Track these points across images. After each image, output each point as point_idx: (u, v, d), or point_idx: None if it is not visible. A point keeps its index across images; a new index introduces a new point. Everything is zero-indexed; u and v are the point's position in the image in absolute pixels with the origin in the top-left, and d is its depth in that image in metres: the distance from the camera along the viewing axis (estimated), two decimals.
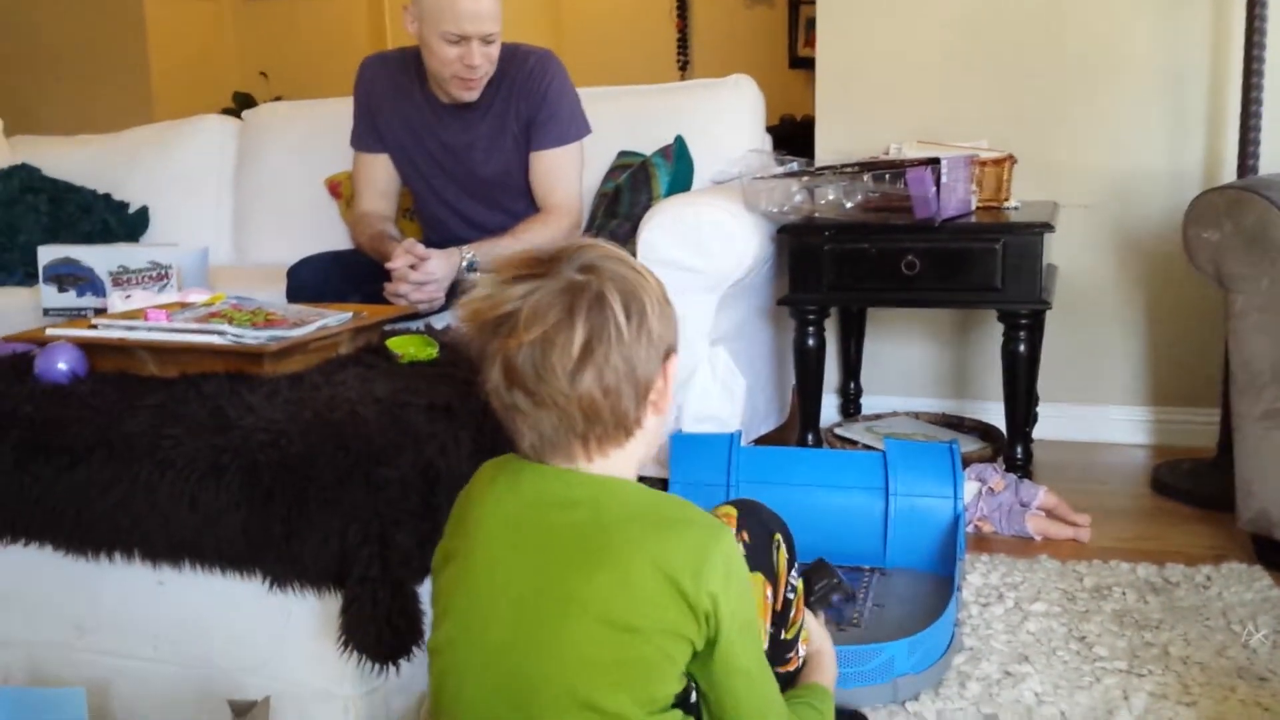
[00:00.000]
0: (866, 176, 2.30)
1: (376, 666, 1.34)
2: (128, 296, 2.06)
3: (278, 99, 3.82)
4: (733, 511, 1.20)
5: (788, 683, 1.24)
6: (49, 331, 1.73)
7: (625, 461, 1.04)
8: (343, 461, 1.38)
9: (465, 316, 0.99)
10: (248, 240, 3.00)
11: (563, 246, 1.01)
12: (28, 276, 2.71)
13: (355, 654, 1.33)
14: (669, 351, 1.03)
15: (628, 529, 0.98)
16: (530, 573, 0.99)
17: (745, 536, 1.17)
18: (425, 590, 1.35)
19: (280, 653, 1.41)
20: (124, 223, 2.94)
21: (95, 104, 4.58)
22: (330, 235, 2.78)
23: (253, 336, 1.62)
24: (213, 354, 1.62)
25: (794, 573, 1.23)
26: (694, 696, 1.05)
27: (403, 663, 1.35)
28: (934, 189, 2.19)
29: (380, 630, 1.33)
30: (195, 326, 1.66)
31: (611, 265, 1.00)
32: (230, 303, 1.85)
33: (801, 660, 1.27)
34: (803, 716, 1.13)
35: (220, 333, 1.62)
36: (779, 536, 1.21)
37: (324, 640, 1.37)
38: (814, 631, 1.30)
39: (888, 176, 2.29)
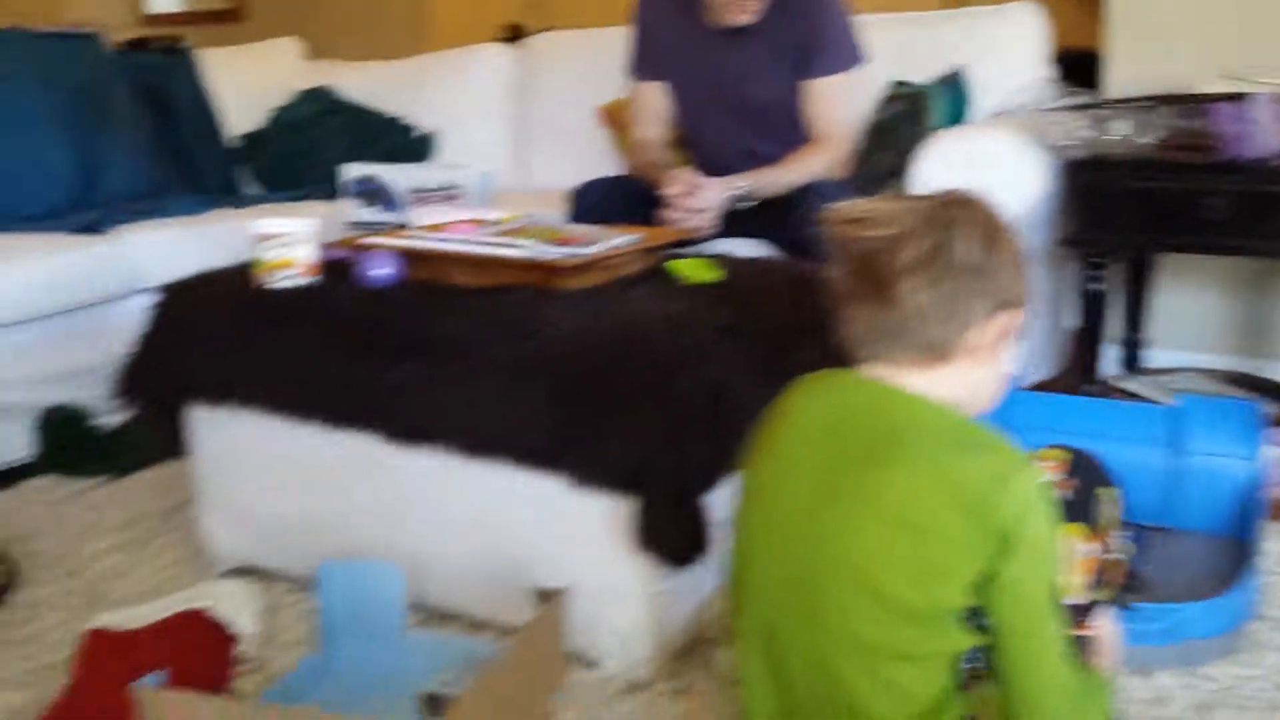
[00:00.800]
0: (1165, 111, 2.15)
1: (667, 569, 1.40)
2: (426, 213, 2.19)
3: (549, 29, 3.92)
4: (1064, 455, 1.17)
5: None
6: (368, 240, 1.87)
7: (935, 390, 1.05)
8: (640, 373, 1.44)
9: (832, 217, 1.06)
10: (526, 166, 3.13)
11: (946, 190, 1.07)
12: (326, 194, 2.93)
13: (647, 555, 1.40)
14: (1002, 306, 1.04)
15: (926, 440, 1.00)
16: (826, 466, 1.04)
17: (1073, 483, 1.14)
18: (715, 500, 1.40)
19: (575, 549, 1.50)
20: (411, 146, 3.14)
21: (376, 31, 4.85)
22: (607, 162, 2.86)
23: (552, 252, 1.71)
24: (516, 267, 1.72)
25: (1119, 535, 1.19)
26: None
27: (690, 567, 1.41)
28: (1244, 126, 2.02)
29: (673, 534, 1.40)
30: (500, 240, 1.76)
31: (977, 209, 1.04)
32: (524, 222, 1.95)
33: (1096, 631, 1.18)
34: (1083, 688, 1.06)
35: (523, 247, 1.71)
36: (1105, 491, 1.18)
37: (618, 540, 1.45)
38: (1105, 618, 1.24)
39: (1190, 112, 2.13)
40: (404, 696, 1.39)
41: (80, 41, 3.03)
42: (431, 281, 1.78)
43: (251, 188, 3.24)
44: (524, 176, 3.12)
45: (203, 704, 1.25)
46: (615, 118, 2.92)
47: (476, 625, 1.62)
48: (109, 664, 1.43)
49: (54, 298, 2.32)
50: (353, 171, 2.68)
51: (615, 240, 1.83)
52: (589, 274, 1.75)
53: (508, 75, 3.22)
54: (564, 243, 1.79)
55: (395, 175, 2.60)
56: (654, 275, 1.85)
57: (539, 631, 1.40)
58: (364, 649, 1.52)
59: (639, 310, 1.61)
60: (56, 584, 1.82)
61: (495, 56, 3.27)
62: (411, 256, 1.80)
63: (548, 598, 1.41)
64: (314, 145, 3.07)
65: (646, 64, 2.52)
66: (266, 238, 1.80)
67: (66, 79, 2.87)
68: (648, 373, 1.44)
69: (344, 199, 2.70)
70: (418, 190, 2.56)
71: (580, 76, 3.04)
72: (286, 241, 1.80)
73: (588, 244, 1.80)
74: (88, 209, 2.68)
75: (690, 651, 1.53)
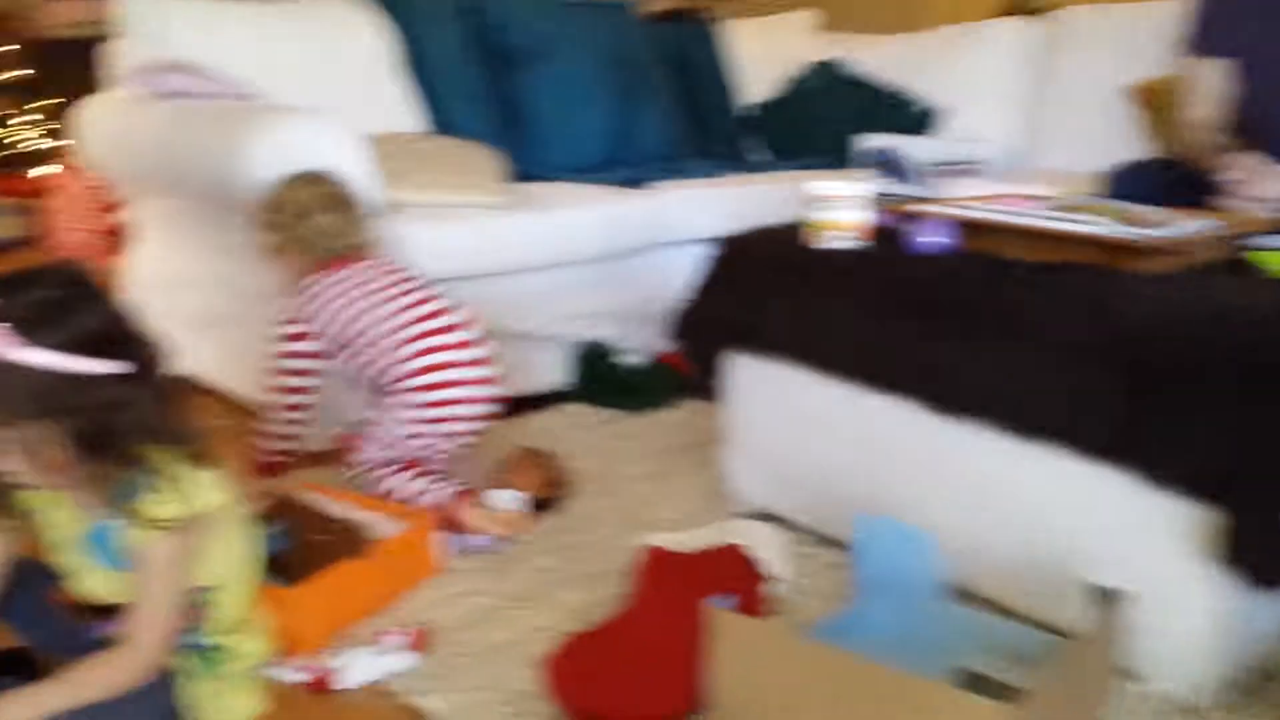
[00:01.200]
0: None
1: (1246, 588, 1.26)
2: (951, 185, 2.14)
3: (1067, 4, 3.70)
4: None
5: None
6: (922, 207, 1.85)
7: None
8: (1243, 372, 1.29)
9: None
10: (1038, 144, 2.99)
11: None
12: (833, 164, 2.97)
13: (1227, 571, 1.27)
14: None
15: None
16: None
17: None
18: None
19: (1131, 551, 1.39)
20: (917, 120, 3.09)
21: (886, 3, 4.77)
22: (1132, 143, 2.65)
23: (1131, 231, 1.59)
24: (1082, 244, 1.62)
25: None
26: None
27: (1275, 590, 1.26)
28: None
29: (1264, 553, 1.26)
30: (1066, 216, 1.67)
31: None
32: (1081, 199, 1.84)
33: None
34: None
35: (1099, 224, 1.61)
36: None
37: (1185, 548, 1.32)
38: None
39: None
40: (937, 668, 1.37)
41: (613, 11, 3.29)
42: (983, 253, 1.73)
43: (759, 155, 3.37)
44: (1036, 155, 2.98)
45: (775, 634, 1.31)
46: (1152, 97, 2.68)
47: (1001, 610, 1.55)
48: (669, 581, 1.55)
49: (597, 243, 2.54)
50: (867, 142, 2.68)
51: (1194, 224, 1.68)
52: (1162, 258, 1.62)
53: (1022, 51, 3.08)
54: (1133, 222, 1.66)
55: (911, 147, 2.57)
56: (1234, 265, 1.67)
57: (1099, 634, 1.31)
58: (896, 612, 1.51)
59: (1233, 301, 1.45)
60: (596, 500, 2.00)
61: (1010, 32, 3.15)
62: (964, 226, 1.75)
63: (1107, 599, 1.32)
64: (822, 116, 3.13)
65: (1209, 40, 2.31)
66: (821, 199, 1.84)
67: (604, 45, 3.13)
68: (1253, 372, 1.29)
69: (857, 169, 2.71)
70: (935, 163, 2.51)
71: (1107, 53, 2.85)
72: (841, 204, 1.83)
73: (1160, 225, 1.66)
74: (623, 166, 2.92)
75: (1260, 686, 1.38)
